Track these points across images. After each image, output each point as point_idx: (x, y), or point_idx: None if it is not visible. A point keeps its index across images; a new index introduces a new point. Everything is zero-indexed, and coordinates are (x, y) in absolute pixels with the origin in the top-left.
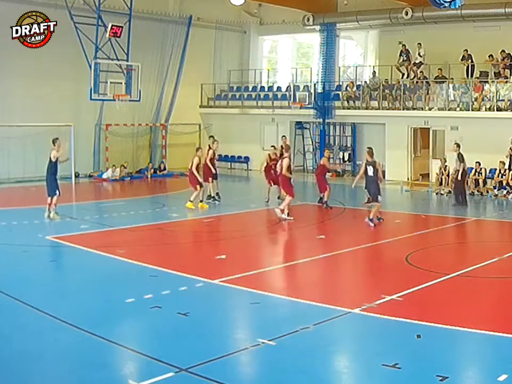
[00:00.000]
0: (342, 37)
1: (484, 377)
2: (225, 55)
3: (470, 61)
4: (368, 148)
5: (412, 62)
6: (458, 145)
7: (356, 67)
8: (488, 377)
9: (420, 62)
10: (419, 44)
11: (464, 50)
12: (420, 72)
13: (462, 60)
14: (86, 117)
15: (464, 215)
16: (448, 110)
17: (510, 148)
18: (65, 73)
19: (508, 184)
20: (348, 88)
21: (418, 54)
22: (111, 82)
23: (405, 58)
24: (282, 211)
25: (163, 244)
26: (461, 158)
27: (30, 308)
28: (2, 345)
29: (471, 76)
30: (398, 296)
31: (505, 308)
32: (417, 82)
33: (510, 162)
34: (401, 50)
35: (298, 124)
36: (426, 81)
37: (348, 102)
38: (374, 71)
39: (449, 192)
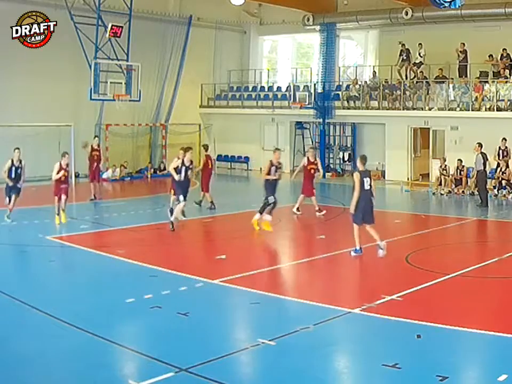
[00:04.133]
0: (342, 37)
1: (484, 377)
2: (225, 55)
3: (464, 56)
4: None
5: (412, 62)
6: (480, 145)
7: (356, 67)
8: (488, 377)
9: (420, 62)
10: (420, 44)
11: (461, 43)
12: (420, 72)
13: (458, 55)
14: (86, 117)
15: (464, 215)
16: (448, 110)
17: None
18: (66, 73)
19: (508, 183)
20: (351, 86)
21: (419, 54)
22: (111, 82)
23: (405, 58)
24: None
25: (163, 244)
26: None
27: (30, 307)
28: (2, 345)
29: (465, 74)
30: (398, 296)
31: (505, 308)
32: (417, 82)
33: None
34: (401, 50)
35: (298, 124)
36: (426, 81)
37: (347, 102)
38: (374, 71)
39: (449, 192)
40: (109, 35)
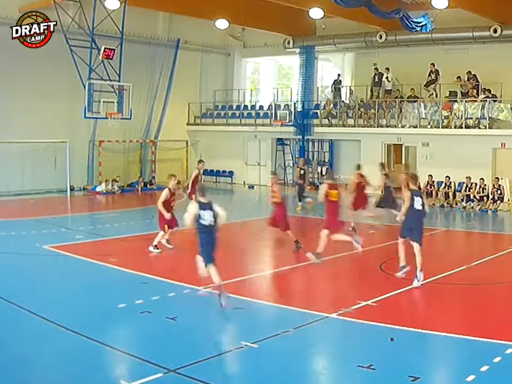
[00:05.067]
0: (320, 59)
1: (453, 377)
2: (211, 76)
3: (435, 75)
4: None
5: (383, 88)
6: None
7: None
8: (457, 378)
9: (391, 89)
10: (387, 68)
11: (431, 64)
12: (393, 100)
13: (429, 74)
14: (80, 134)
15: (435, 225)
16: (420, 127)
17: None
18: (61, 93)
19: (475, 197)
20: (326, 106)
21: (386, 78)
22: (104, 102)
23: (377, 81)
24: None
25: (153, 253)
26: None
27: (28, 312)
28: (1, 348)
29: (437, 93)
30: (373, 302)
31: (472, 312)
32: (390, 102)
33: None
34: (375, 74)
35: (279, 141)
36: (400, 100)
37: (328, 119)
38: (351, 90)
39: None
40: (102, 57)
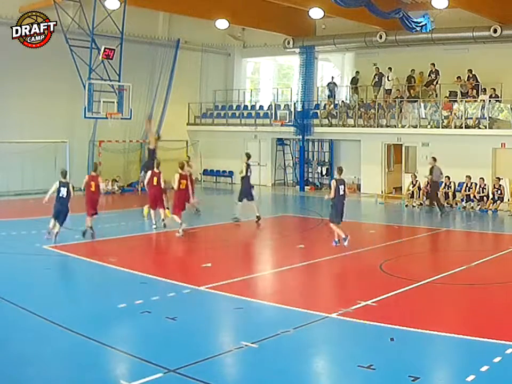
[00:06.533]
0: (320, 59)
1: (453, 377)
2: (211, 76)
3: (435, 75)
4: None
5: (383, 87)
6: (434, 159)
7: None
8: (457, 378)
9: (390, 89)
10: (389, 68)
11: (431, 64)
12: (393, 100)
13: (429, 74)
14: (80, 134)
15: (435, 225)
16: (420, 127)
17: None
18: (61, 92)
19: (475, 196)
20: (327, 106)
21: (387, 78)
22: (103, 101)
23: (377, 81)
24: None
25: (152, 252)
26: (430, 170)
27: (28, 312)
28: (1, 347)
29: (436, 93)
30: (373, 302)
31: (472, 313)
32: (390, 102)
33: None
34: (375, 74)
35: (279, 140)
36: (400, 100)
37: (328, 119)
38: (353, 88)
39: (421, 204)
40: (102, 57)
